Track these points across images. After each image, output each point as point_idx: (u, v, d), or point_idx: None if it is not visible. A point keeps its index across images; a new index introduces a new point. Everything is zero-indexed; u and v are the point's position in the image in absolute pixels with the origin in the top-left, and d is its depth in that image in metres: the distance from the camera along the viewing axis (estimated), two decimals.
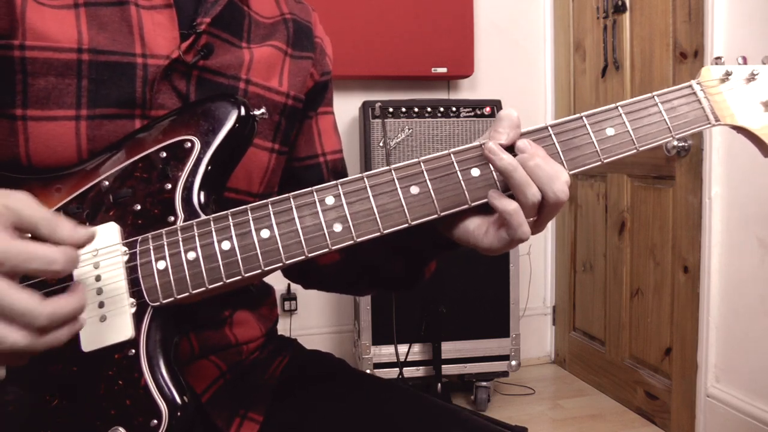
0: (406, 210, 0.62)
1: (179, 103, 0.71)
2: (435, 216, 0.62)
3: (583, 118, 0.65)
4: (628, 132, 0.65)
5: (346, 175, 0.94)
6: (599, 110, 0.65)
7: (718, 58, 0.70)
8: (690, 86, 0.67)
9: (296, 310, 2.57)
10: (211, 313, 0.78)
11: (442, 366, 2.20)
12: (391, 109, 2.24)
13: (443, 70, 2.49)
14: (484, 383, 2.30)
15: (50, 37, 0.66)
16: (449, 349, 2.22)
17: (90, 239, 0.55)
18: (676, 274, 2.06)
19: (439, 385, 2.19)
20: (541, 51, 2.78)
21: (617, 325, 2.38)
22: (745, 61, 0.69)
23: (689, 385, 2.00)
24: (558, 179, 0.60)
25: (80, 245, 0.54)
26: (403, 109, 2.24)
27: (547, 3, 2.74)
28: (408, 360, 2.21)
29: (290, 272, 0.89)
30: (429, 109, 2.25)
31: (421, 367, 2.23)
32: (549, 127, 0.64)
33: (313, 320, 2.61)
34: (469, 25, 2.50)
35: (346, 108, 2.50)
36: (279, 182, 0.85)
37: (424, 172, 0.62)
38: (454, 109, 2.26)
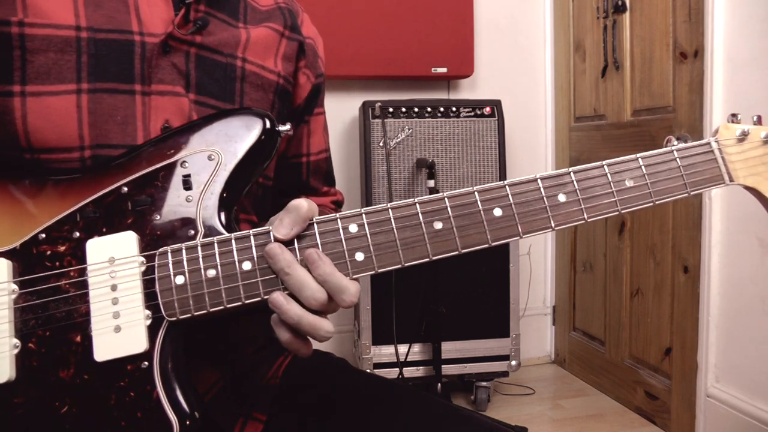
0: (428, 245, 0.62)
1: (179, 78, 0.72)
2: (456, 252, 0.63)
3: (605, 166, 0.66)
4: (647, 185, 0.66)
5: (332, 174, 0.97)
6: (620, 160, 0.67)
7: (734, 115, 0.71)
8: (708, 144, 0.69)
9: None
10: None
11: (442, 366, 2.20)
12: (391, 109, 2.24)
13: (443, 70, 2.48)
14: (484, 383, 2.30)
15: (49, 17, 0.66)
16: (449, 349, 2.22)
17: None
18: (676, 274, 2.06)
19: (439, 385, 2.19)
20: (541, 51, 2.77)
21: (617, 325, 2.38)
22: (759, 120, 0.71)
23: (689, 385, 2.00)
24: (346, 291, 0.61)
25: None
26: (403, 109, 2.24)
27: (547, 3, 2.74)
28: (408, 360, 2.21)
29: None
30: (429, 109, 2.25)
31: (421, 367, 2.23)
32: (572, 173, 0.65)
33: None
34: (469, 25, 2.50)
35: (346, 108, 2.50)
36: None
37: (448, 209, 0.63)
38: (454, 109, 2.26)
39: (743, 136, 0.69)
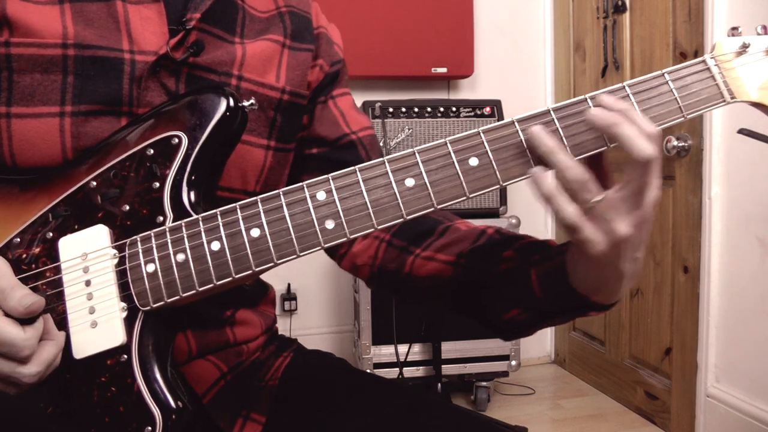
0: (401, 204, 0.59)
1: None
2: (431, 209, 0.59)
3: (588, 99, 0.61)
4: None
5: (380, 150, 0.90)
6: (605, 90, 0.61)
7: (735, 28, 0.63)
8: (703, 61, 0.62)
9: (296, 310, 2.57)
10: (214, 314, 0.78)
11: (442, 366, 2.20)
12: (391, 109, 2.23)
13: (443, 70, 2.48)
14: (484, 383, 2.30)
15: (35, 32, 0.65)
16: (449, 349, 2.22)
17: (38, 309, 0.55)
18: (676, 274, 2.06)
19: (439, 385, 2.19)
20: (541, 51, 2.77)
21: (617, 325, 2.38)
22: (765, 30, 0.64)
23: (689, 385, 2.00)
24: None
25: (27, 314, 0.55)
26: (403, 109, 2.24)
27: (547, 3, 2.74)
28: (408, 360, 2.21)
29: (381, 283, 0.84)
30: (429, 109, 2.25)
31: (421, 367, 2.23)
32: (551, 111, 0.60)
33: (313, 320, 2.61)
34: (469, 25, 2.50)
35: None
36: (307, 175, 0.81)
37: (420, 164, 0.59)
38: (454, 109, 2.26)
39: (743, 49, 0.62)
